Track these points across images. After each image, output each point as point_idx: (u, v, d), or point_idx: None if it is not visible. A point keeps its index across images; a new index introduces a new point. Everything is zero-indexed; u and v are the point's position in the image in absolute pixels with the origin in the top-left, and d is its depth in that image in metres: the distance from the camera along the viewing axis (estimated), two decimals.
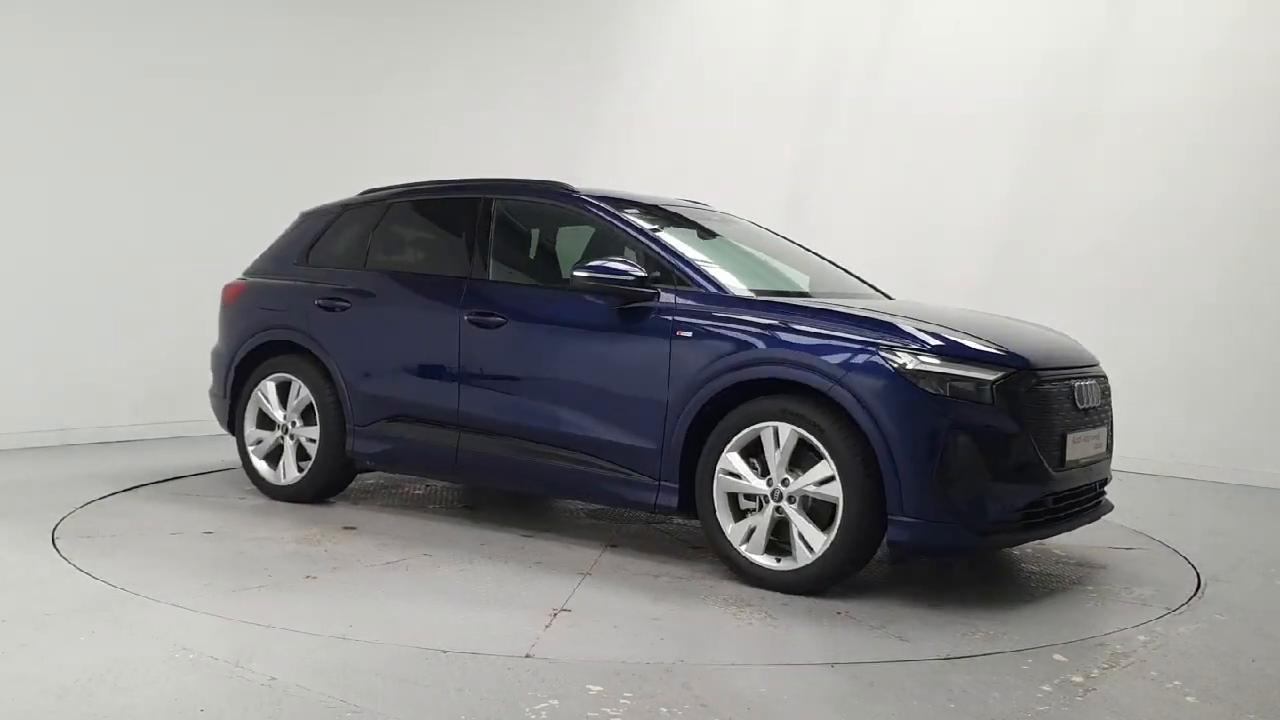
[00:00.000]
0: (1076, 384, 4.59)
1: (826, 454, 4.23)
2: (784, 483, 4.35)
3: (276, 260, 6.11)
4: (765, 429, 4.38)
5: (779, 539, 4.39)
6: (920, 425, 4.13)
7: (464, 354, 5.20)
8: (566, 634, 3.84)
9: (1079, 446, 4.54)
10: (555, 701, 3.20)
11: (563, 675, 3.41)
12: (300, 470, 5.73)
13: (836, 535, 4.21)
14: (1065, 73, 8.11)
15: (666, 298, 4.70)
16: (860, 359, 4.23)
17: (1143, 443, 7.38)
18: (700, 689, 3.34)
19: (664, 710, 3.16)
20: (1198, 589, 4.70)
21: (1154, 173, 7.75)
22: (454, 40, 9.62)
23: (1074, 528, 4.73)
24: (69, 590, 4.19)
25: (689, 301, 4.66)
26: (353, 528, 5.29)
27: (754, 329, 4.49)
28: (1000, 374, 4.24)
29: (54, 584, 4.26)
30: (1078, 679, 3.54)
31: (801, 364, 4.33)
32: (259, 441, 5.89)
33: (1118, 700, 3.37)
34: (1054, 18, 8.21)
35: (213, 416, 6.28)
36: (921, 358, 4.19)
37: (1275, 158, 7.39)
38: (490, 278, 5.32)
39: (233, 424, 6.05)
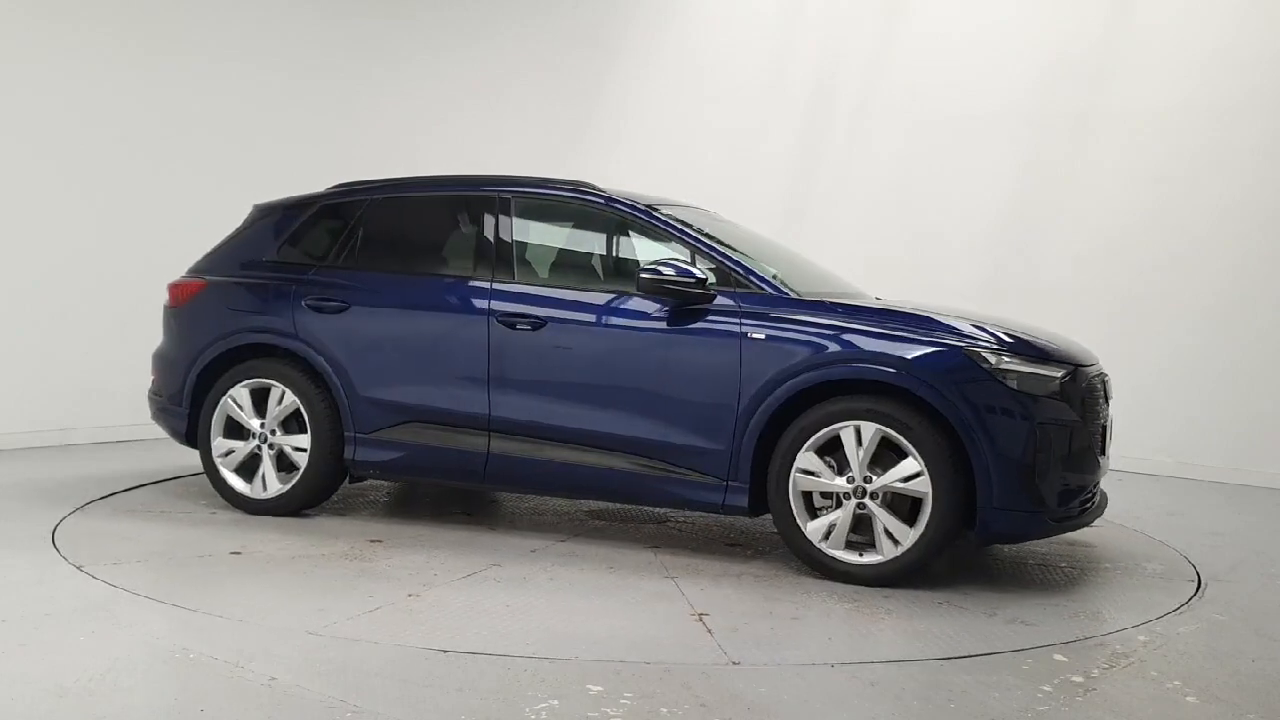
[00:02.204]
0: (1105, 379, 4.94)
1: (914, 450, 4.39)
2: (866, 480, 4.45)
3: (239, 258, 5.72)
4: (845, 428, 4.49)
5: (856, 534, 4.54)
6: (1011, 421, 4.38)
7: (495, 357, 5.03)
8: (741, 638, 3.85)
9: (1109, 438, 4.92)
10: (555, 701, 3.20)
11: (563, 675, 3.41)
12: (282, 482, 5.39)
13: (925, 528, 4.39)
14: (1066, 74, 8.11)
15: (726, 299, 4.75)
16: (950, 359, 4.44)
17: (1143, 443, 7.39)
18: (700, 689, 3.34)
19: (664, 710, 3.16)
20: (1198, 589, 4.70)
21: (1154, 174, 7.75)
22: (450, 34, 9.61)
23: (1100, 515, 4.94)
24: (69, 590, 4.19)
25: (754, 303, 4.73)
26: (378, 540, 5.05)
27: (828, 330, 4.61)
28: (1064, 371, 4.56)
29: (54, 584, 4.26)
30: (1078, 679, 3.54)
31: (889, 364, 4.47)
32: (229, 452, 5.48)
33: (1118, 700, 3.37)
34: (1055, 19, 8.21)
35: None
36: (1004, 357, 4.45)
37: (1276, 158, 7.39)
38: (518, 278, 5.15)
39: (191, 434, 5.62)
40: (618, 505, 5.82)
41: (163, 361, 5.83)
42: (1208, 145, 7.57)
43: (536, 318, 4.99)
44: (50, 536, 4.96)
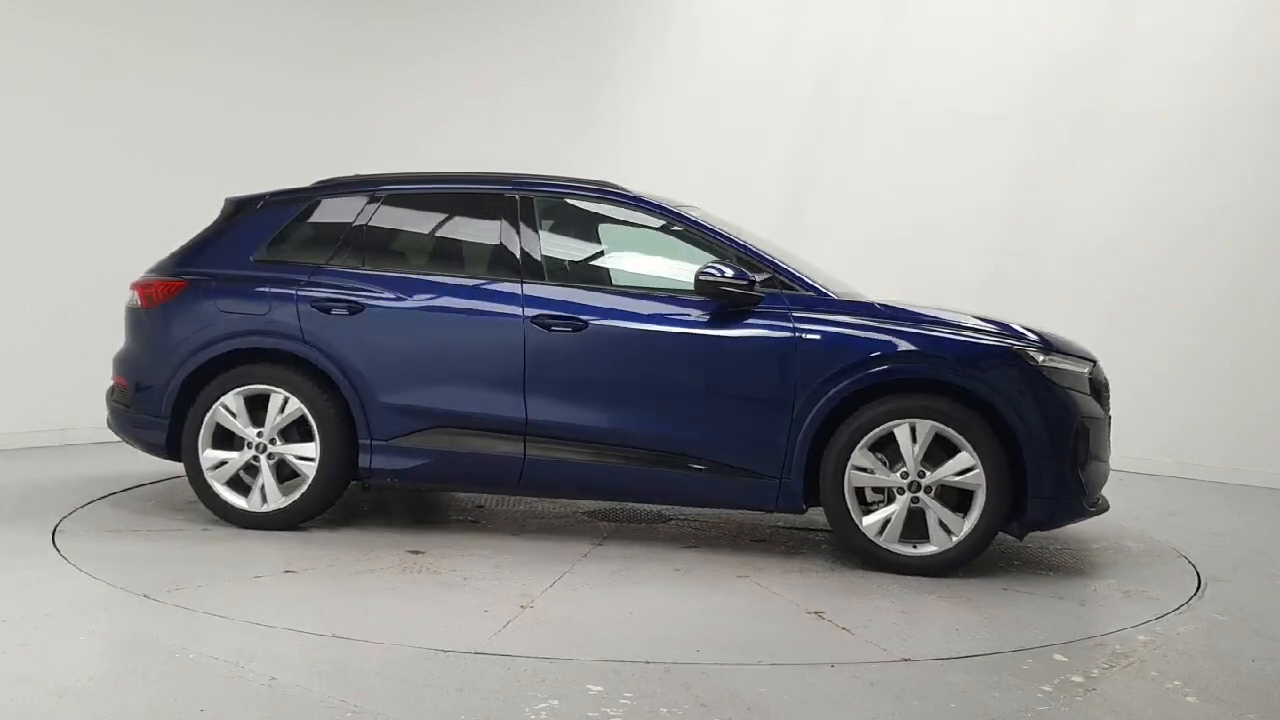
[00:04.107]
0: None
1: (968, 446, 4.60)
2: (920, 475, 4.63)
3: (221, 255, 5.35)
4: (900, 425, 4.65)
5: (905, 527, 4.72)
6: (1059, 416, 4.65)
7: (532, 360, 4.92)
8: (882, 634, 3.93)
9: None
10: (555, 701, 3.20)
11: (563, 675, 3.41)
12: (284, 493, 5.09)
13: (979, 520, 4.60)
14: (1066, 72, 8.11)
15: (774, 301, 4.84)
16: (1002, 358, 4.69)
17: (1143, 443, 7.39)
18: (700, 689, 3.34)
19: (664, 710, 3.16)
20: (1198, 589, 4.70)
21: (1153, 173, 7.76)
22: (449, 34, 9.61)
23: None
24: (69, 590, 4.19)
25: (803, 305, 4.85)
26: (419, 551, 4.86)
27: (879, 330, 4.77)
28: (1089, 367, 4.89)
29: (54, 584, 4.26)
30: (1078, 679, 3.54)
31: (951, 363, 4.67)
32: (221, 464, 5.12)
33: (1118, 700, 3.38)
34: (1055, 18, 8.21)
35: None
36: (1047, 355, 4.73)
37: (1276, 158, 7.39)
38: (549, 279, 5.05)
39: (172, 445, 5.24)
40: (614, 505, 5.81)
41: (133, 367, 5.41)
42: (1208, 145, 7.57)
43: (577, 320, 4.93)
44: (50, 536, 4.95)
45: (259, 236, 5.36)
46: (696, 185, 7.62)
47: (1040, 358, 4.69)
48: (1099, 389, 4.93)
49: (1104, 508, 4.94)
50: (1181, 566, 5.09)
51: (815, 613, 4.17)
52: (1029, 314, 5.81)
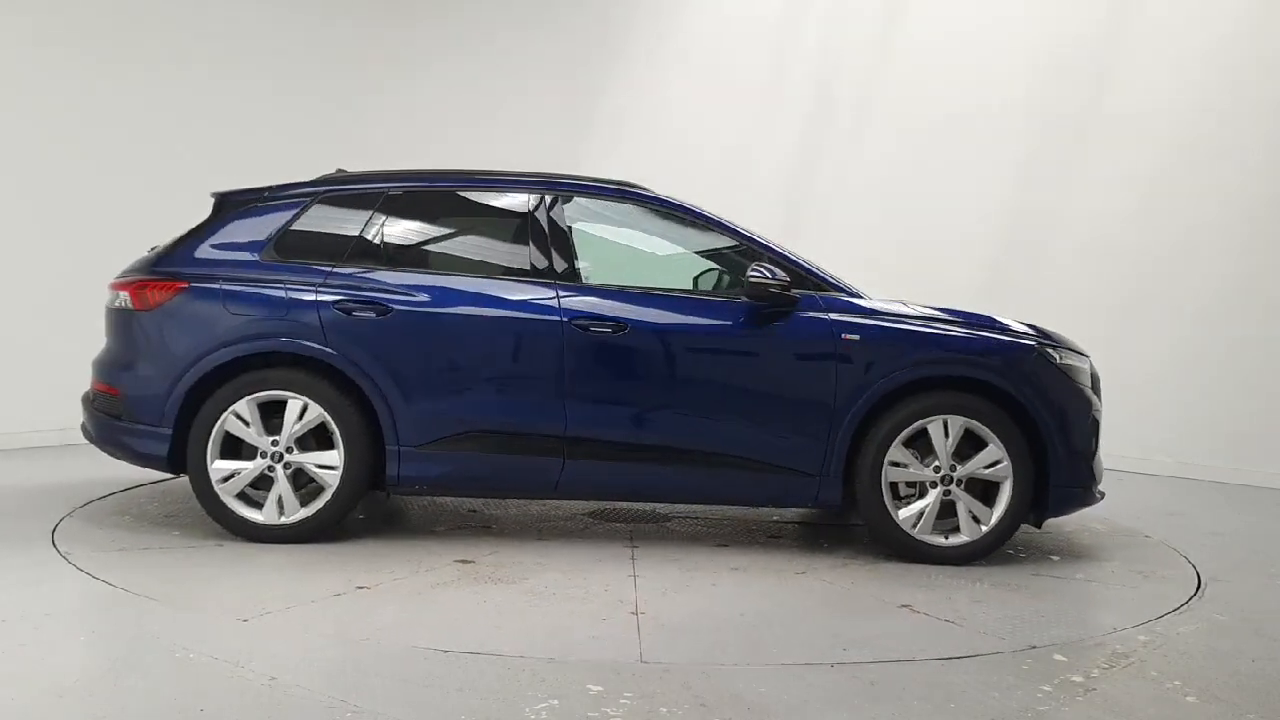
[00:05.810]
0: None
1: (997, 440, 4.84)
2: (952, 468, 4.84)
3: (220, 254, 5.06)
4: (933, 422, 4.85)
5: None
6: (1076, 410, 4.96)
7: (570, 362, 4.85)
8: (981, 626, 4.03)
9: None
10: (555, 701, 3.20)
11: (563, 675, 3.41)
12: (302, 503, 4.87)
13: (1007, 510, 4.86)
14: (1065, 72, 8.12)
15: (810, 303, 4.94)
16: (1028, 357, 4.94)
17: (1143, 443, 7.39)
18: (700, 689, 3.34)
19: (664, 710, 3.16)
20: (1198, 589, 4.70)
21: (1153, 173, 7.76)
22: (450, 35, 9.62)
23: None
24: (69, 590, 4.19)
25: (837, 306, 4.96)
26: (468, 560, 4.72)
27: (917, 331, 4.93)
28: (1088, 363, 5.16)
29: (54, 584, 4.26)
30: (1078, 679, 3.55)
31: (986, 362, 4.89)
32: (231, 475, 4.84)
33: (1118, 700, 3.38)
34: (1054, 18, 8.22)
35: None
36: (1062, 353, 4.99)
37: (1275, 158, 7.39)
38: (583, 280, 4.99)
39: (175, 457, 4.92)
40: (614, 506, 5.81)
41: (124, 373, 5.04)
42: (1206, 144, 7.58)
43: (615, 321, 4.88)
44: (50, 536, 4.95)
45: (263, 234, 5.09)
46: (696, 185, 7.62)
47: (1058, 356, 4.95)
48: (1095, 383, 5.17)
49: (1102, 495, 5.15)
50: (1181, 566, 5.09)
51: (905, 606, 4.25)
52: (1029, 313, 5.82)
